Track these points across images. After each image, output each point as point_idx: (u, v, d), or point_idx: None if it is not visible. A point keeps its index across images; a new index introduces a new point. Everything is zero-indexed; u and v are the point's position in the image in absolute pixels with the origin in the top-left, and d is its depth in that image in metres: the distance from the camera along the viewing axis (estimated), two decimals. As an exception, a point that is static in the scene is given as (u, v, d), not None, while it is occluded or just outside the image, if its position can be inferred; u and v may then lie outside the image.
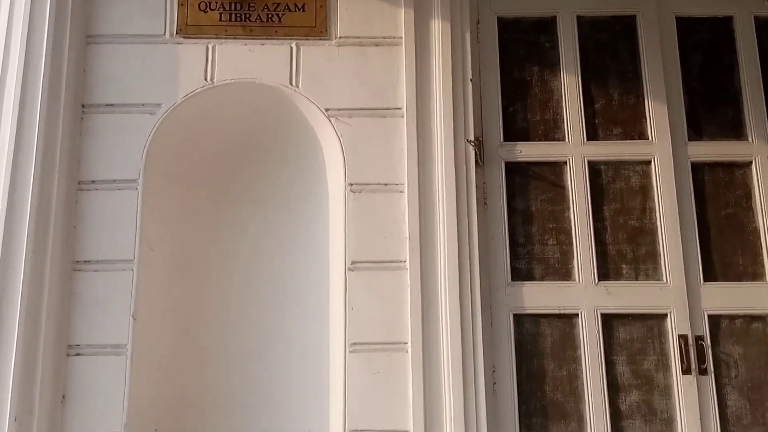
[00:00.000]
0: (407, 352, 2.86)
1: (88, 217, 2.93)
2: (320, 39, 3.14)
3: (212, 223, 3.23)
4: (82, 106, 3.04)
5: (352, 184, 2.99)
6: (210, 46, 3.12)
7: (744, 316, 3.01)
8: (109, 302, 2.86)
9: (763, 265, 3.05)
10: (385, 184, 2.99)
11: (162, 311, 3.03)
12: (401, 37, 3.12)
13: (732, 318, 3.01)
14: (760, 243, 3.08)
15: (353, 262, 2.93)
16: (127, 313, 2.85)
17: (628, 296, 3.01)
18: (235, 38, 3.15)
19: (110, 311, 2.85)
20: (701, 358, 2.94)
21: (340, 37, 3.15)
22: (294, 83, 3.08)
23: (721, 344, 2.98)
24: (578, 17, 3.27)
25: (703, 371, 2.92)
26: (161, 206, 3.06)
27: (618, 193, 3.12)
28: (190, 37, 3.14)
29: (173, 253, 3.12)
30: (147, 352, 2.92)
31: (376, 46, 3.13)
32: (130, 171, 2.96)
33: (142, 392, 2.87)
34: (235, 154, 3.23)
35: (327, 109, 3.05)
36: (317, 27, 3.16)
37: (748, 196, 3.12)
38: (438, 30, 3.13)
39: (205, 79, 3.07)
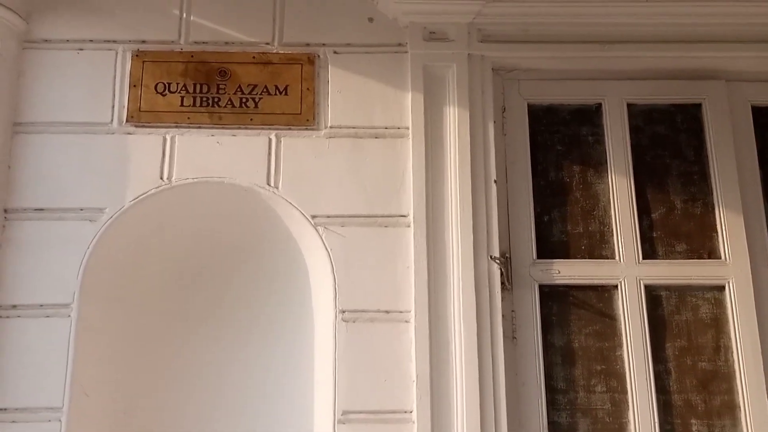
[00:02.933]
0: None
1: (5, 353, 2.60)
2: (306, 129, 2.82)
3: (164, 359, 2.86)
4: (5, 210, 2.73)
5: (344, 311, 2.67)
6: (168, 137, 2.82)
7: None
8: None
9: None
10: (387, 312, 2.68)
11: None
12: (408, 128, 2.82)
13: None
14: None
15: (345, 413, 2.58)
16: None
17: (700, 459, 2.66)
18: (199, 127, 2.81)
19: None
20: None
21: (330, 127, 2.83)
22: (272, 183, 2.79)
23: None
24: (629, 105, 2.94)
25: None
26: (100, 338, 2.72)
27: (683, 327, 2.76)
28: (143, 126, 2.81)
29: (113, 399, 2.75)
30: None
31: (376, 138, 2.83)
32: (62, 293, 2.65)
33: None
34: (196, 271, 2.92)
35: (313, 216, 2.76)
36: (303, 114, 2.82)
37: None
38: (454, 119, 2.81)
39: (161, 178, 2.78)
